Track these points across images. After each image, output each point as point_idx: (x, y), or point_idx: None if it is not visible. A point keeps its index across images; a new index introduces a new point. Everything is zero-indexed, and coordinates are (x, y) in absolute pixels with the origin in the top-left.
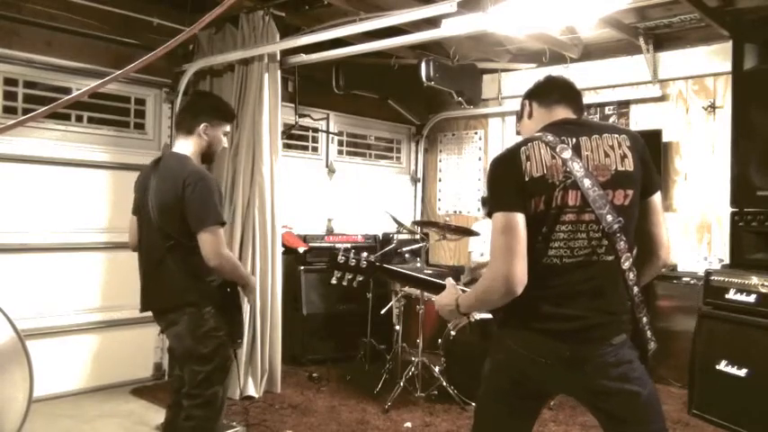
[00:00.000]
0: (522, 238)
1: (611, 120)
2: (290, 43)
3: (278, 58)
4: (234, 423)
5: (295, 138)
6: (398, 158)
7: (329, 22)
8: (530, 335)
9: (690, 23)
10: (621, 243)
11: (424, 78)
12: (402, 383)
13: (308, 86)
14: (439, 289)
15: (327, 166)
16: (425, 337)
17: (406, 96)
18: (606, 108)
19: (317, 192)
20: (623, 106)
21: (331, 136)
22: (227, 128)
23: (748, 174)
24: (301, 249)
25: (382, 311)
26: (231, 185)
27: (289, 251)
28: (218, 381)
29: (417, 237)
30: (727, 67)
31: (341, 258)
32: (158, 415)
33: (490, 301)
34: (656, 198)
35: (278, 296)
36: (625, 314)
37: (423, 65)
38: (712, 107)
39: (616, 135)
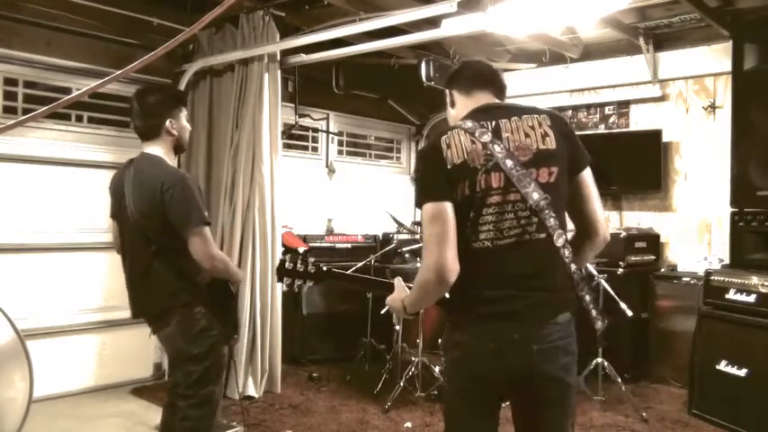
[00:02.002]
0: (451, 226)
1: (610, 120)
2: (290, 43)
3: (278, 58)
4: (234, 423)
5: (295, 138)
6: (398, 158)
7: (329, 22)
8: (476, 321)
9: (690, 23)
10: (551, 220)
11: (424, 78)
12: (402, 383)
13: (308, 86)
14: (390, 289)
15: (327, 166)
16: (425, 337)
17: (406, 96)
18: (606, 108)
19: (317, 192)
20: (623, 106)
21: (331, 136)
22: (185, 111)
23: (748, 174)
24: (301, 249)
25: (382, 311)
26: (231, 185)
27: (289, 251)
28: (212, 380)
29: (417, 237)
30: (727, 67)
31: (288, 265)
32: (158, 415)
33: (427, 293)
34: (586, 174)
35: (278, 296)
36: (567, 291)
37: (423, 65)
38: (712, 107)
39: (536, 115)
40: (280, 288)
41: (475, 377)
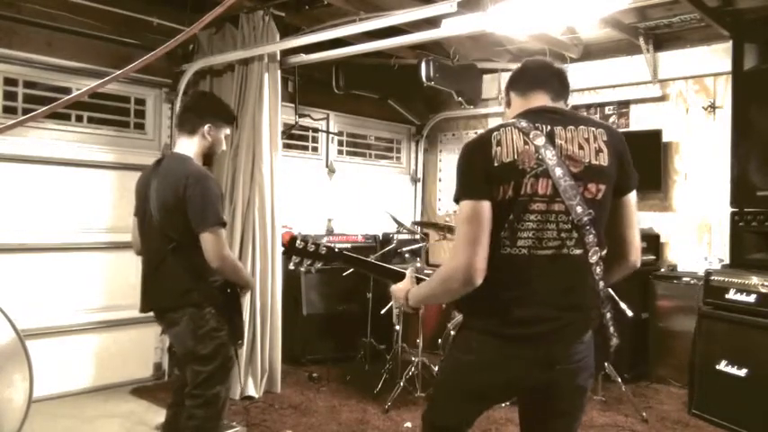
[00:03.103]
0: (487, 227)
1: (610, 120)
2: (290, 43)
3: (278, 58)
4: (234, 423)
5: (295, 138)
6: (398, 158)
7: (329, 22)
8: (501, 339)
9: (690, 23)
10: (590, 237)
11: (424, 78)
12: (402, 383)
13: (308, 86)
14: (399, 277)
15: (327, 166)
16: (425, 337)
17: (406, 96)
18: (606, 108)
19: (317, 192)
20: (623, 106)
21: (331, 136)
22: (228, 130)
23: (748, 174)
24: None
25: (382, 311)
26: (231, 185)
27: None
28: (219, 380)
29: (417, 237)
30: (727, 67)
31: (299, 244)
32: (158, 415)
33: (449, 290)
34: (631, 197)
35: (278, 296)
36: (594, 309)
37: (423, 65)
38: (712, 107)
39: (593, 128)
40: (279, 288)
41: (485, 385)
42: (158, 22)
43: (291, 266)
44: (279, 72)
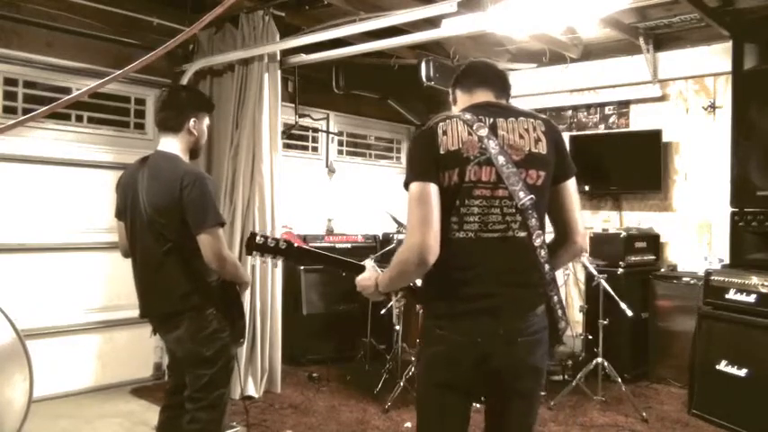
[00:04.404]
0: (436, 208)
1: (610, 120)
2: (290, 43)
3: (278, 58)
4: (234, 423)
5: (295, 138)
6: (398, 158)
7: (329, 22)
8: (460, 318)
9: (690, 23)
10: (533, 220)
11: (424, 78)
12: (402, 383)
13: (308, 86)
14: (359, 270)
15: (327, 166)
16: None
17: (406, 96)
18: (606, 108)
19: (317, 192)
20: (623, 106)
21: (331, 136)
22: (208, 119)
23: (748, 174)
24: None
25: (382, 311)
26: (231, 185)
27: None
28: (222, 383)
29: None
30: (727, 67)
31: (259, 240)
32: (158, 415)
33: (406, 272)
34: (570, 184)
35: (278, 296)
36: (541, 287)
37: (423, 65)
38: (712, 107)
39: (532, 120)
40: (279, 288)
41: (458, 370)
42: (158, 22)
43: (261, 262)
44: (279, 72)
